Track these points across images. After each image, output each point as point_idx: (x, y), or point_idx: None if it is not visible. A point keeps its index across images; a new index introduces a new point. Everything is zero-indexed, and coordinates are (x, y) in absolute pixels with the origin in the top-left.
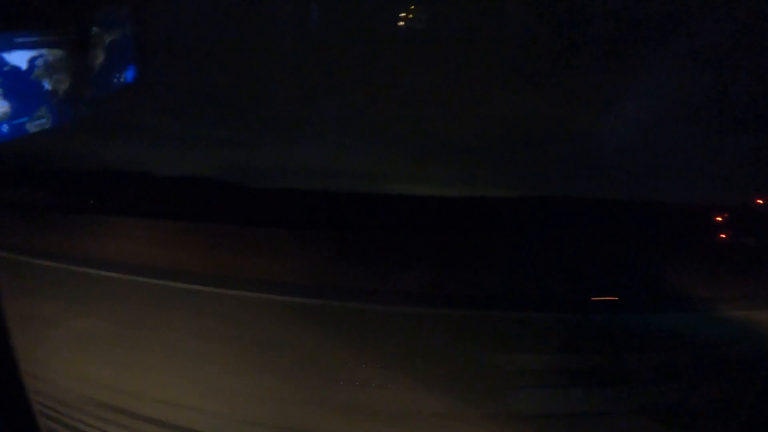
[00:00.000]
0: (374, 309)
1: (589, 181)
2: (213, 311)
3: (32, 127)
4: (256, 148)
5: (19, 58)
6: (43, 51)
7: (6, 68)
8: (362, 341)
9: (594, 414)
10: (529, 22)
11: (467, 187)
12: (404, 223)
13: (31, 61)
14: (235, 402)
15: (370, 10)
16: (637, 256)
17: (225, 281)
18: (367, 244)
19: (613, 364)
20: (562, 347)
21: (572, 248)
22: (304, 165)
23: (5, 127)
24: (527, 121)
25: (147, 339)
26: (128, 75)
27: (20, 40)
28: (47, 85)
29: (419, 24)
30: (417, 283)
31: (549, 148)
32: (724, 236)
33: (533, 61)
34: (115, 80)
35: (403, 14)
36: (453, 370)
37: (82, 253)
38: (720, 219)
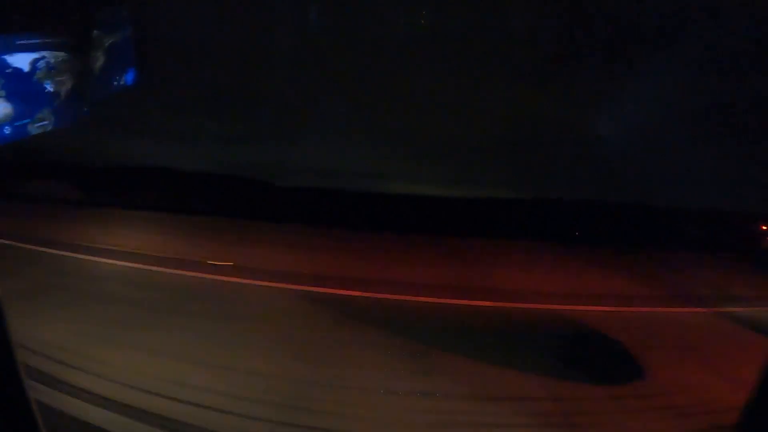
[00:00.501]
0: (378, 298)
1: (590, 183)
2: (221, 298)
3: (34, 129)
4: (260, 145)
5: (20, 60)
6: (46, 53)
7: (8, 70)
8: (363, 326)
9: (595, 408)
10: (532, 25)
11: (472, 187)
12: (409, 222)
13: (33, 63)
14: (244, 378)
15: (375, 10)
16: (639, 255)
17: (232, 270)
18: (372, 240)
19: (615, 359)
20: (565, 340)
21: (575, 247)
22: (309, 163)
23: (7, 129)
24: (530, 123)
25: (159, 323)
26: (132, 75)
27: (22, 42)
28: (50, 86)
29: (424, 25)
30: (421, 276)
31: (551, 150)
32: (725, 237)
33: (537, 63)
34: (120, 81)
35: (407, 15)
36: (446, 351)
37: (87, 243)
38: (722, 221)
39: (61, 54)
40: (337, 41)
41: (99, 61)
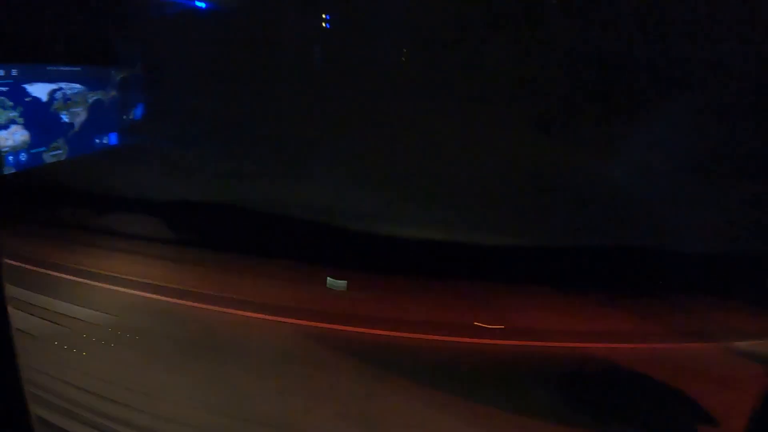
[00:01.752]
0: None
1: (594, 228)
2: (216, 330)
3: (49, 157)
4: (263, 180)
5: (39, 90)
6: (63, 84)
7: (27, 98)
8: (357, 363)
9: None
10: (538, 69)
11: (471, 232)
12: (412, 264)
13: (51, 94)
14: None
15: (380, 51)
16: (649, 298)
17: (224, 301)
18: (374, 281)
19: (613, 392)
20: (565, 375)
21: (582, 290)
22: (314, 201)
23: (23, 156)
24: (534, 168)
25: (151, 349)
26: (141, 109)
27: (41, 71)
28: (65, 117)
29: (430, 69)
30: (427, 315)
31: (554, 195)
32: (728, 280)
33: (542, 107)
34: (129, 114)
35: (414, 60)
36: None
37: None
38: (730, 263)
39: (76, 86)
40: (343, 83)
41: (112, 94)
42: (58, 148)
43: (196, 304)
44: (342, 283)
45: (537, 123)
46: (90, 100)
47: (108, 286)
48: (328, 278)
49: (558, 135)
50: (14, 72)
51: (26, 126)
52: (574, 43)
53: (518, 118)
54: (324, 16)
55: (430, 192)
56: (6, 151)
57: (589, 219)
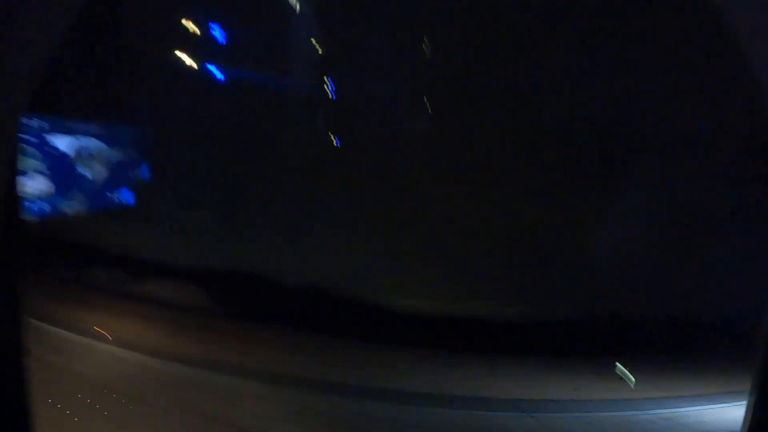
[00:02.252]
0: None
1: (587, 298)
2: (209, 395)
3: (66, 208)
4: (261, 244)
5: (63, 144)
6: (86, 140)
7: (50, 150)
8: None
9: None
10: (533, 138)
11: (468, 302)
12: (405, 336)
13: (74, 148)
14: None
15: (377, 120)
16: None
17: (219, 367)
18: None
19: None
20: None
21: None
22: (312, 269)
23: (44, 205)
24: (528, 237)
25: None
26: (147, 171)
27: (66, 127)
28: (85, 171)
29: (426, 137)
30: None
31: (547, 264)
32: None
33: (536, 176)
34: (139, 175)
35: (411, 125)
36: None
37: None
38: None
39: (99, 143)
40: (343, 152)
41: (131, 154)
42: (76, 201)
43: (198, 370)
44: (630, 377)
45: (536, 191)
46: (110, 158)
47: (105, 346)
48: (618, 365)
49: (555, 204)
50: (43, 124)
51: (49, 176)
52: (572, 114)
53: (517, 187)
54: (327, 79)
55: (430, 263)
56: (28, 199)
57: (587, 288)
